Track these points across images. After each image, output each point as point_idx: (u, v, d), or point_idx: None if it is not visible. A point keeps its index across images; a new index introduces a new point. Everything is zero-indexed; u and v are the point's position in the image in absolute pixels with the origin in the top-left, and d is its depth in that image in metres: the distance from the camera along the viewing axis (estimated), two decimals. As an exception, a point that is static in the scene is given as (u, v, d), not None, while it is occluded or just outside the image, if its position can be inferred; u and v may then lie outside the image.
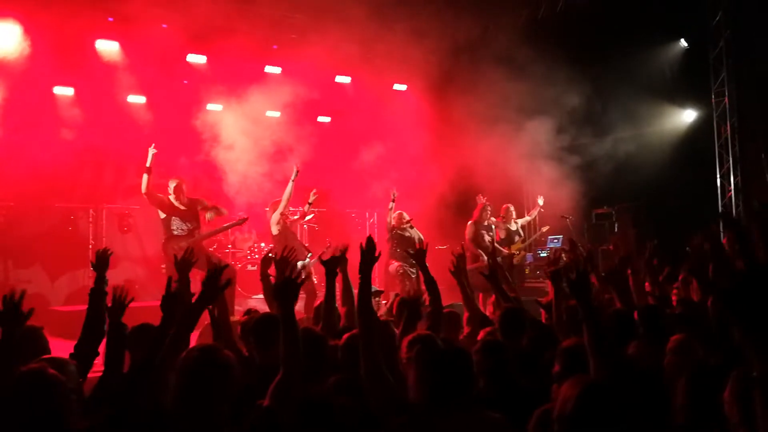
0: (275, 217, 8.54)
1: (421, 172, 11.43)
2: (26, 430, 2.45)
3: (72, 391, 2.63)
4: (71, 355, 3.30)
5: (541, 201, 10.89)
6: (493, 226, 10.09)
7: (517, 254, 10.17)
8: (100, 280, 3.71)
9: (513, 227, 10.36)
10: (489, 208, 9.98)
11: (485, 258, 9.68)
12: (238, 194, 10.35)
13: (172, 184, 7.92)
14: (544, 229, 11.00)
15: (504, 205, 10.43)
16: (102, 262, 3.80)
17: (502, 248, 10.17)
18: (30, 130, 9.67)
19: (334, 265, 4.27)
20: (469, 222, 9.94)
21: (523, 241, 10.39)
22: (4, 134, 9.23)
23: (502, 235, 10.20)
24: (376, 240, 3.38)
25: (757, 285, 1.96)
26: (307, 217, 10.79)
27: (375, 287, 8.51)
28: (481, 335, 4.12)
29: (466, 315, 4.96)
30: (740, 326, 2.02)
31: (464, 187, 11.17)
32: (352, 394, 2.91)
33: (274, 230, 8.58)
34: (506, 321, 4.10)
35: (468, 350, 3.06)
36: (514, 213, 10.45)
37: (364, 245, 3.33)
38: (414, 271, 8.76)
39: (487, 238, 9.89)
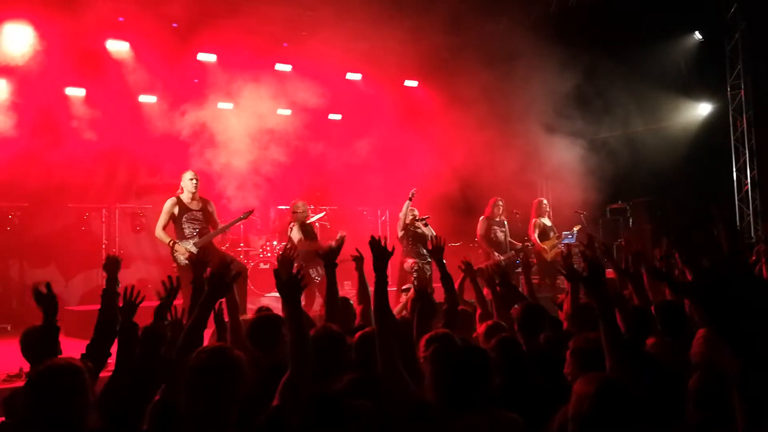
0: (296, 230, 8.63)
1: (434, 168, 11.38)
2: (47, 421, 2.45)
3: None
4: (83, 355, 3.29)
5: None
6: (506, 222, 10.01)
7: (550, 251, 9.99)
8: (111, 281, 3.69)
9: (548, 223, 10.18)
10: (501, 203, 9.90)
11: (497, 255, 9.61)
12: (248, 192, 10.35)
13: (186, 176, 7.67)
14: (576, 228, 10.77)
15: (536, 200, 10.24)
16: (112, 264, 3.78)
17: (515, 243, 10.10)
18: (42, 131, 9.71)
19: (331, 257, 4.21)
20: (481, 218, 9.87)
21: (558, 238, 10.20)
22: (17, 135, 9.26)
23: (537, 231, 10.08)
24: (382, 237, 3.31)
25: (718, 280, 1.96)
26: (319, 215, 10.79)
27: (409, 284, 8.53)
28: (483, 328, 4.06)
29: (478, 312, 4.91)
30: (707, 318, 2.02)
31: (477, 184, 11.11)
32: (365, 393, 2.86)
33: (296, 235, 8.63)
34: (525, 318, 4.04)
35: (485, 350, 3.01)
36: (547, 207, 10.22)
37: (372, 243, 3.26)
38: (429, 268, 8.74)
39: (499, 234, 9.83)
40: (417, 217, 9.21)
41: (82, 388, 2.51)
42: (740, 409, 1.99)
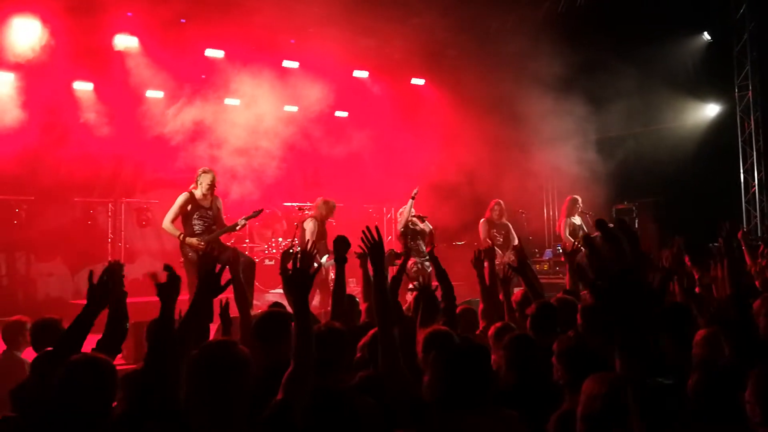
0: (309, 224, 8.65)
1: (440, 166, 11.37)
2: (79, 412, 2.49)
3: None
4: (93, 350, 3.31)
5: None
6: (509, 224, 9.94)
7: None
8: (117, 285, 3.72)
9: (577, 221, 9.94)
10: (499, 206, 9.80)
11: (500, 252, 9.55)
12: (253, 188, 10.37)
13: (206, 177, 7.57)
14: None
15: (568, 197, 10.02)
16: (114, 271, 3.80)
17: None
18: (49, 125, 9.74)
19: (342, 250, 4.19)
20: (482, 220, 9.81)
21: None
22: (24, 129, 9.29)
23: (567, 230, 9.89)
24: (372, 227, 3.24)
25: (625, 285, 1.97)
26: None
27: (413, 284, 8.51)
28: (491, 330, 4.06)
29: (480, 307, 4.92)
30: (611, 323, 2.01)
31: (483, 182, 11.10)
32: (376, 390, 2.86)
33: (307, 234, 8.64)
34: (539, 316, 4.03)
35: (486, 348, 3.00)
36: (581, 207, 9.96)
37: (366, 235, 3.17)
38: (429, 265, 8.73)
39: (499, 237, 9.72)
40: (415, 215, 9.22)
41: (114, 383, 2.61)
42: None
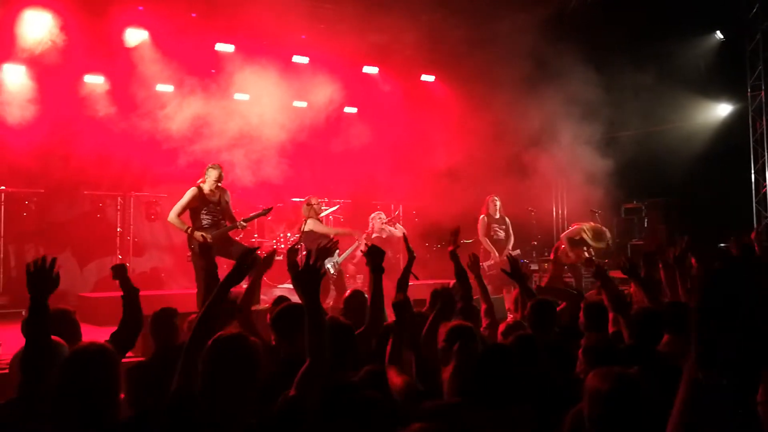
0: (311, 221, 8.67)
1: (449, 164, 11.35)
2: (79, 401, 2.48)
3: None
4: (107, 341, 3.33)
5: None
6: (507, 219, 9.88)
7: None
8: (125, 283, 3.74)
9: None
10: (497, 200, 9.75)
11: (495, 254, 9.52)
12: (263, 184, 10.38)
13: (213, 173, 7.61)
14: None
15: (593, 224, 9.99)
16: (118, 271, 3.83)
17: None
18: (60, 118, 9.78)
19: (378, 257, 3.89)
20: (481, 216, 9.76)
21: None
22: (34, 122, 9.34)
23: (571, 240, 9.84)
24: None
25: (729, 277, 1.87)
26: (332, 208, 10.81)
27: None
28: (502, 328, 4.09)
29: (483, 307, 4.95)
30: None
31: (492, 181, 11.05)
32: (382, 385, 2.88)
33: (308, 227, 8.65)
34: (537, 313, 4.04)
35: (509, 348, 3.03)
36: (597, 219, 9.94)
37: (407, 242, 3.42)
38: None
39: (500, 232, 9.68)
40: (384, 220, 9.20)
41: (115, 371, 2.60)
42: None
